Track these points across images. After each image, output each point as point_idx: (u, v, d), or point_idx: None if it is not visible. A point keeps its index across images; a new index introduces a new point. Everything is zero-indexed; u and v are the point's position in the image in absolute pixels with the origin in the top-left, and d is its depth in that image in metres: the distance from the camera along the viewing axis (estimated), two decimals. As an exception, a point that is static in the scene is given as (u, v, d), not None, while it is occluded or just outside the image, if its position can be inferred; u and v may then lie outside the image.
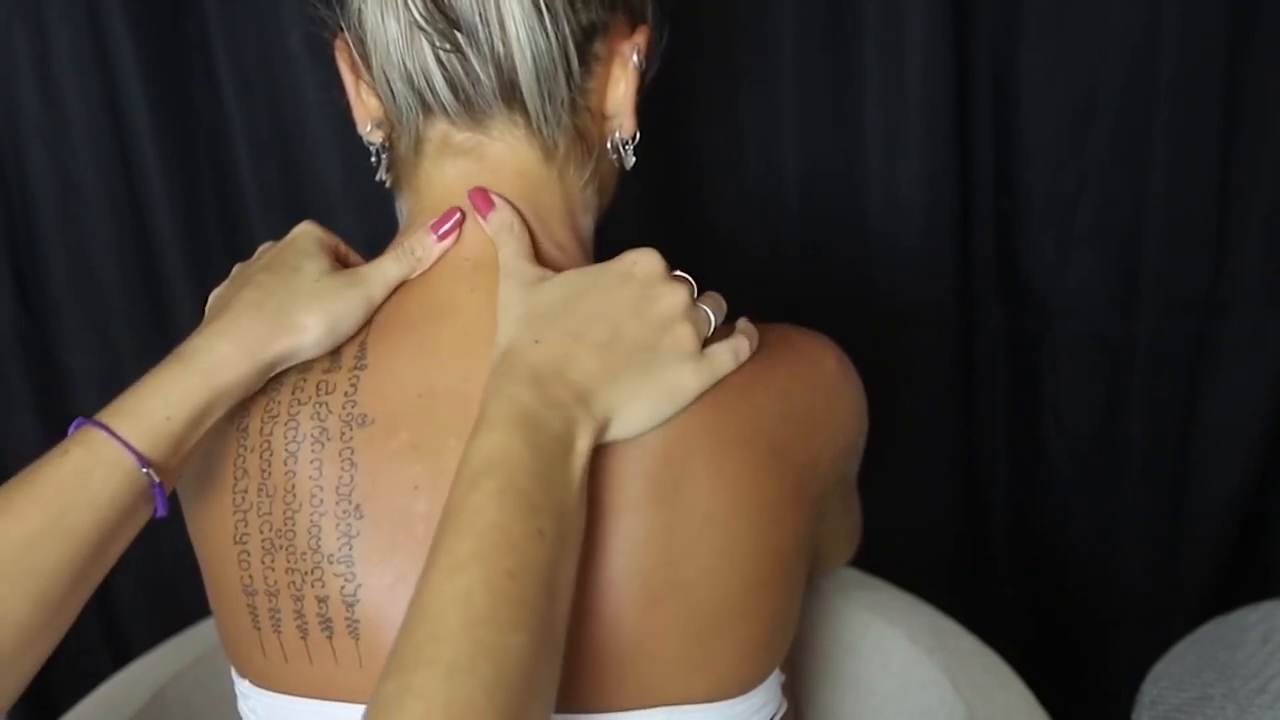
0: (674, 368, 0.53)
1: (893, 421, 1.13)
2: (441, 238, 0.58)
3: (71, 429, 0.54)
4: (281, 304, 0.56)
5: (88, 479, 0.52)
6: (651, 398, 0.53)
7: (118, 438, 0.52)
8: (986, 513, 1.23)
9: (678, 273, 0.57)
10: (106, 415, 0.53)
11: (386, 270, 0.58)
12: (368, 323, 0.58)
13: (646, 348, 0.53)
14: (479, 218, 0.58)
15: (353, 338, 0.57)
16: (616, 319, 0.54)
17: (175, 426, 0.53)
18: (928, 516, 1.20)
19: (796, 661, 0.89)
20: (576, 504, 0.50)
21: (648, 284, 0.55)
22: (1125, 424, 1.15)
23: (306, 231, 0.61)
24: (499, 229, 0.57)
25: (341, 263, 0.61)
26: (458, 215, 0.58)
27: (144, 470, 0.52)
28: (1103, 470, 1.18)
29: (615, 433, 0.53)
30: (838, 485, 0.65)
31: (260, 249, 0.63)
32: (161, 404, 0.53)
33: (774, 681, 0.59)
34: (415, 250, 0.58)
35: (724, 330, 0.57)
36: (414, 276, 0.59)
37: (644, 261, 0.55)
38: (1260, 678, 0.91)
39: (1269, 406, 1.14)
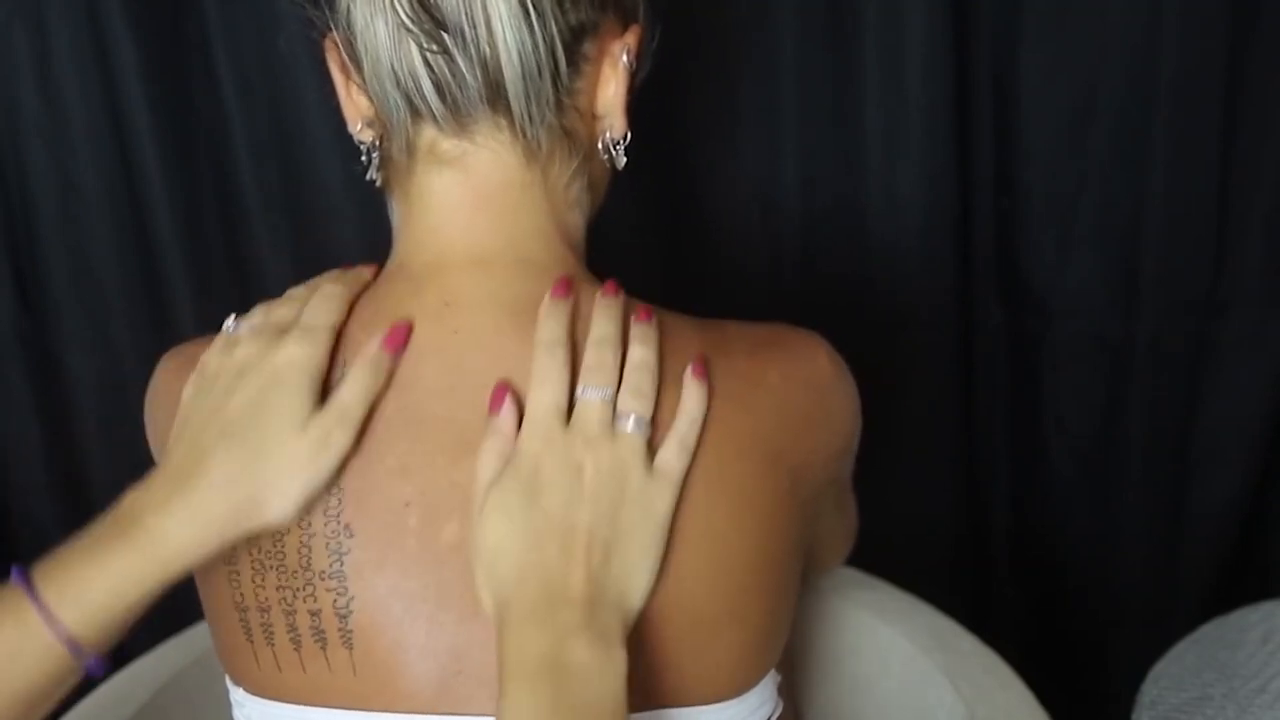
0: (641, 513, 0.52)
1: (892, 421, 1.13)
2: (394, 354, 0.56)
3: (12, 577, 0.52)
4: (254, 484, 0.52)
5: (18, 658, 0.50)
6: (645, 552, 0.52)
7: (54, 620, 0.50)
8: (986, 513, 1.23)
9: (589, 375, 0.54)
10: (46, 581, 0.51)
11: (355, 413, 0.54)
12: (342, 362, 0.56)
13: (609, 519, 0.52)
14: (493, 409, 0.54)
15: (330, 373, 0.56)
16: (565, 520, 0.51)
17: (118, 613, 0.51)
18: (927, 516, 1.20)
19: (796, 662, 0.89)
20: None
21: (562, 467, 0.52)
22: (1125, 424, 1.15)
23: (302, 361, 0.55)
24: (484, 451, 0.53)
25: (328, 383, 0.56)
26: (406, 329, 0.56)
27: (75, 651, 0.51)
28: (1103, 470, 1.18)
29: (635, 610, 0.51)
30: (832, 485, 0.65)
31: (259, 308, 0.60)
32: (108, 585, 0.51)
33: (770, 682, 0.59)
34: (377, 378, 0.55)
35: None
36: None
37: (540, 448, 0.52)
38: (1260, 678, 0.90)
39: (1269, 406, 1.14)
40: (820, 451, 0.60)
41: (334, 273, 0.62)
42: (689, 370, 0.55)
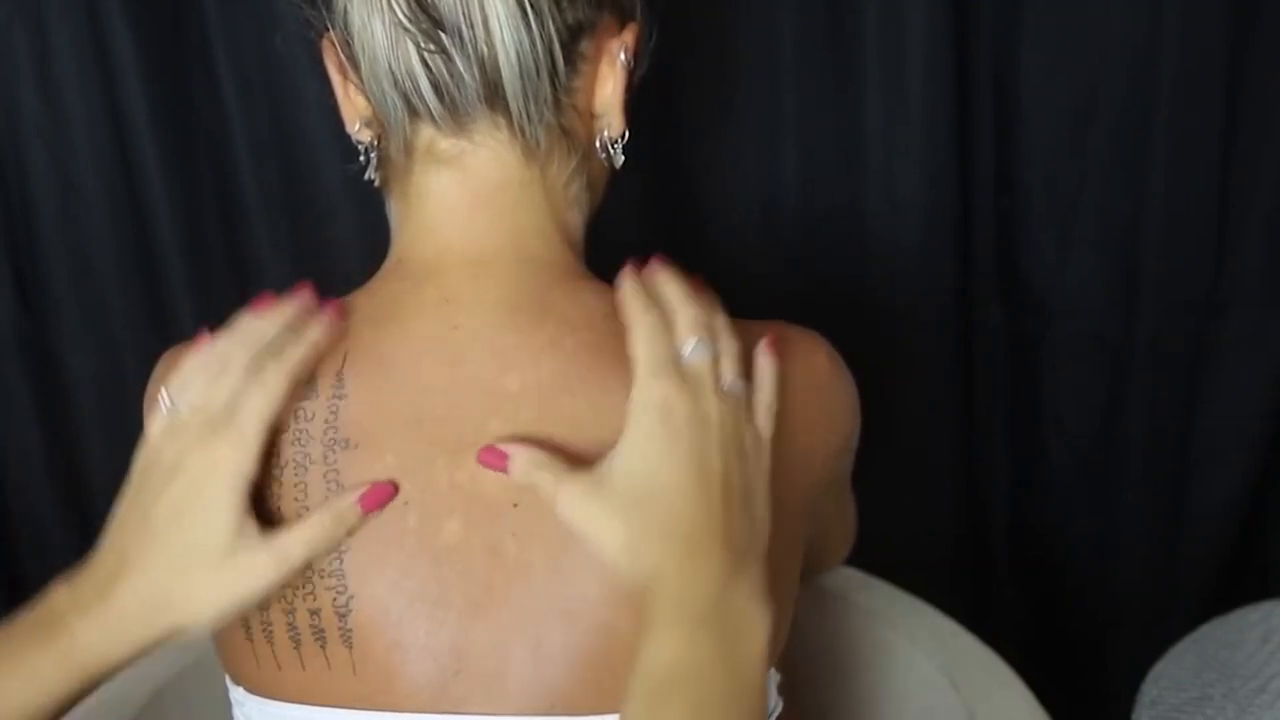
0: (758, 463, 0.54)
1: (892, 421, 1.13)
2: (367, 512, 0.53)
3: None
4: (171, 595, 0.52)
5: None
6: (766, 501, 0.53)
7: None
8: (986, 513, 1.23)
9: (690, 331, 0.54)
10: None
11: (294, 554, 0.52)
12: (343, 356, 0.56)
13: (739, 468, 0.52)
14: (499, 470, 0.53)
15: (328, 368, 0.56)
16: (707, 467, 0.51)
17: (36, 712, 0.52)
18: (927, 516, 1.20)
19: (796, 662, 0.89)
20: (764, 684, 0.48)
21: (692, 418, 0.52)
22: (1125, 424, 1.15)
23: (227, 468, 0.52)
24: (527, 475, 0.52)
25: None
26: (389, 493, 0.54)
27: None
28: (1103, 470, 1.18)
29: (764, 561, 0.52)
30: (832, 484, 0.65)
31: (193, 368, 0.55)
32: (28, 692, 0.51)
33: (770, 681, 0.59)
34: (338, 529, 0.53)
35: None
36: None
37: (670, 397, 0.52)
38: (1260, 678, 0.91)
39: (1269, 406, 1.14)
40: (819, 450, 0.60)
41: (291, 313, 0.57)
42: (761, 344, 0.57)
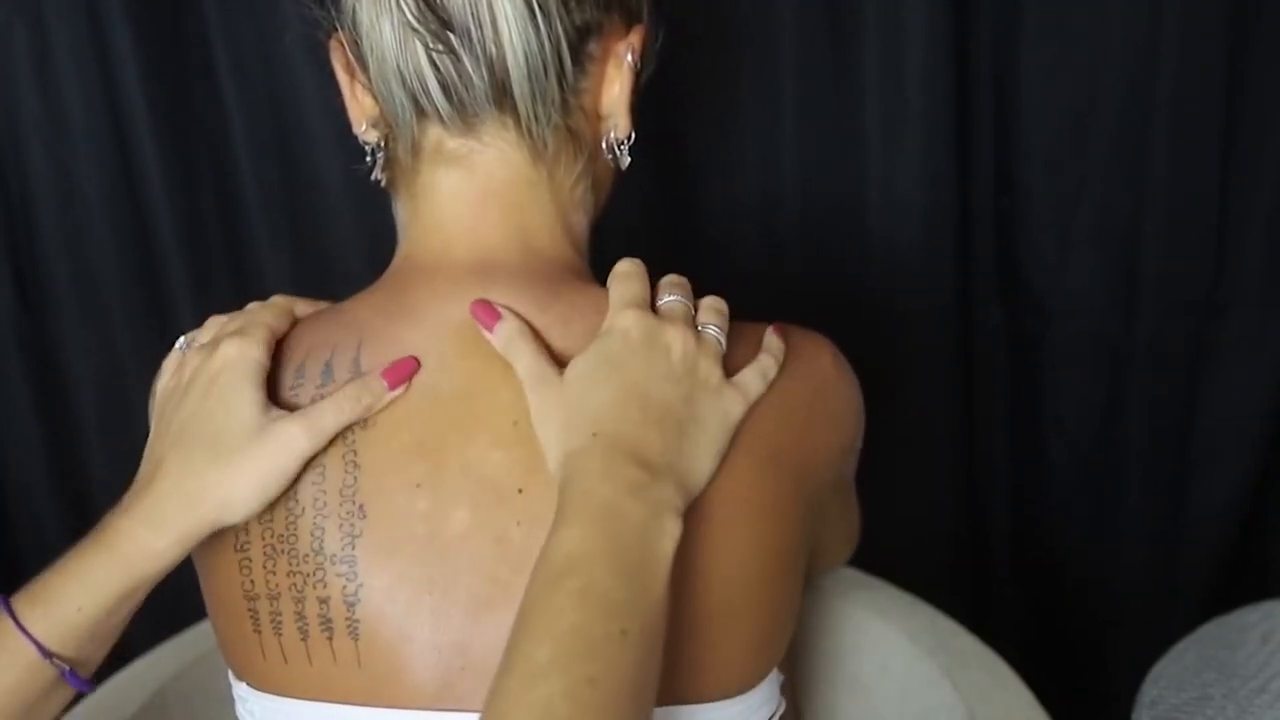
0: (715, 406, 0.54)
1: (893, 422, 1.13)
2: (392, 387, 0.56)
3: None
4: (205, 482, 0.54)
5: None
6: (712, 443, 0.54)
7: (21, 629, 0.52)
8: (986, 513, 1.23)
9: (671, 289, 0.57)
10: (22, 598, 0.53)
11: (325, 425, 0.54)
12: (357, 343, 0.57)
13: (687, 400, 0.53)
14: (484, 331, 0.56)
15: (344, 355, 0.57)
16: (646, 388, 0.53)
17: (88, 618, 0.53)
18: (928, 516, 1.20)
19: (796, 661, 0.89)
20: (663, 595, 0.49)
21: (649, 342, 0.54)
22: (1125, 424, 1.15)
23: (233, 364, 0.56)
24: (509, 341, 0.55)
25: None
26: (412, 367, 0.56)
27: (49, 660, 0.52)
28: (1103, 470, 1.18)
29: (694, 493, 0.52)
30: (835, 485, 0.65)
31: (209, 322, 0.61)
32: (76, 592, 0.53)
33: (773, 681, 0.59)
34: (363, 399, 0.55)
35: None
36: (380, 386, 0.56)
37: (632, 323, 0.55)
38: (1260, 678, 0.91)
39: (1269, 406, 1.14)
40: (823, 451, 0.60)
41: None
42: (770, 329, 0.59)
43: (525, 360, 0.54)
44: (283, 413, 0.55)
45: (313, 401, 0.56)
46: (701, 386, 0.54)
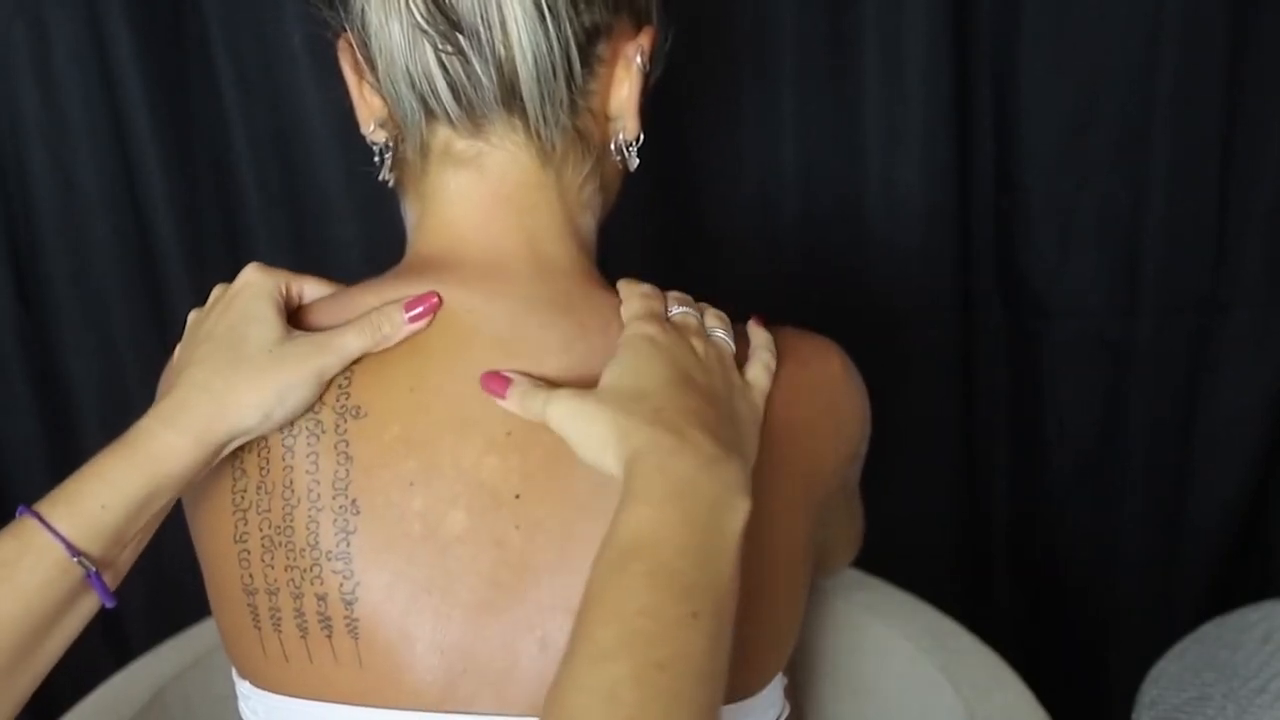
0: (744, 402, 0.55)
1: (893, 422, 1.13)
2: (413, 320, 0.56)
3: (17, 514, 0.53)
4: (228, 382, 0.54)
5: (14, 569, 0.51)
6: (752, 435, 0.54)
7: (48, 526, 0.51)
8: (986, 513, 1.23)
9: (677, 303, 0.58)
10: (46, 502, 0.53)
11: (346, 343, 0.56)
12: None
13: (725, 397, 0.54)
14: (495, 398, 0.54)
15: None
16: (691, 374, 0.53)
17: (112, 516, 0.53)
18: (928, 516, 1.20)
19: (797, 662, 0.89)
20: (734, 576, 0.47)
21: (676, 342, 0.55)
22: (1125, 424, 1.15)
23: (253, 284, 0.59)
24: (524, 399, 0.53)
25: (290, 305, 0.60)
26: (434, 301, 0.57)
27: (76, 559, 0.52)
28: (1103, 470, 1.18)
29: (749, 476, 0.52)
30: (841, 489, 0.65)
31: (214, 293, 0.62)
32: (100, 489, 0.53)
33: (777, 684, 0.59)
34: (383, 327, 0.56)
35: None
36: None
37: (655, 330, 0.54)
38: (1260, 678, 0.91)
39: (1269, 406, 1.14)
40: (829, 456, 0.60)
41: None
42: (751, 320, 0.60)
43: (549, 408, 0.52)
44: (303, 332, 0.57)
45: None
46: (730, 386, 0.55)
